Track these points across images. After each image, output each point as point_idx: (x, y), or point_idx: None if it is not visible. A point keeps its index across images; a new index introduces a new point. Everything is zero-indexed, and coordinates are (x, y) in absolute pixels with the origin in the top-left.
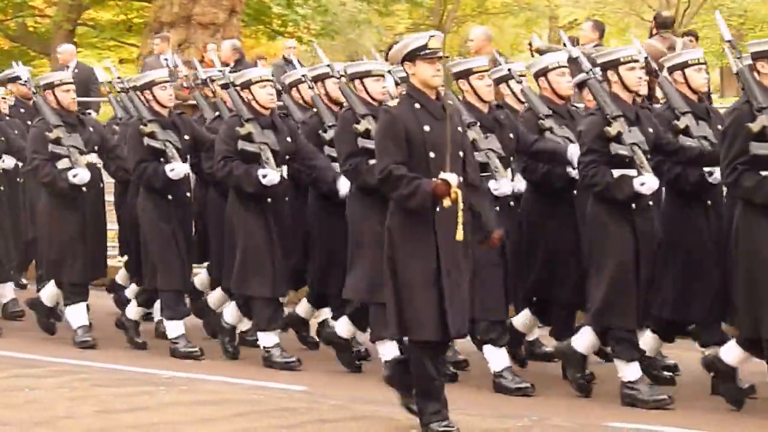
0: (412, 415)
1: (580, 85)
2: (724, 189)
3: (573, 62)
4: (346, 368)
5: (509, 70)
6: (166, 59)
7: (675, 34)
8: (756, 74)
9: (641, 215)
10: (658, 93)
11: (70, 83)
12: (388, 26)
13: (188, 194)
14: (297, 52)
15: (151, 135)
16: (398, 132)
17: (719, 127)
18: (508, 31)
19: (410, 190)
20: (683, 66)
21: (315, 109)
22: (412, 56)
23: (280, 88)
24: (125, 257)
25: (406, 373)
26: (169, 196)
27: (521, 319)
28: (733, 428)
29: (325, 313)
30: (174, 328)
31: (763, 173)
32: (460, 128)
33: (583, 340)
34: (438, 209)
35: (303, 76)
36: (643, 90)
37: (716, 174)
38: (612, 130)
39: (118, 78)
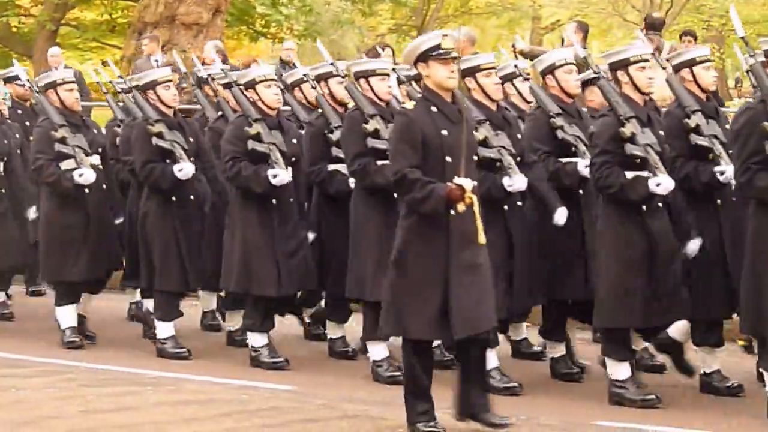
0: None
1: (582, 87)
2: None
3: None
4: None
5: (516, 66)
6: (156, 60)
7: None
8: None
9: (652, 216)
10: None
11: (73, 82)
12: (371, 27)
13: (192, 196)
14: (292, 53)
15: (159, 135)
16: (414, 135)
17: (726, 126)
18: (489, 32)
19: (424, 194)
20: (691, 63)
21: (320, 110)
22: (425, 57)
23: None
24: None
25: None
26: (173, 198)
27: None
28: (720, 426)
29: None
30: (164, 329)
31: None
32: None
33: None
34: (452, 212)
35: (305, 75)
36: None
37: (728, 173)
38: (626, 130)
39: (120, 77)
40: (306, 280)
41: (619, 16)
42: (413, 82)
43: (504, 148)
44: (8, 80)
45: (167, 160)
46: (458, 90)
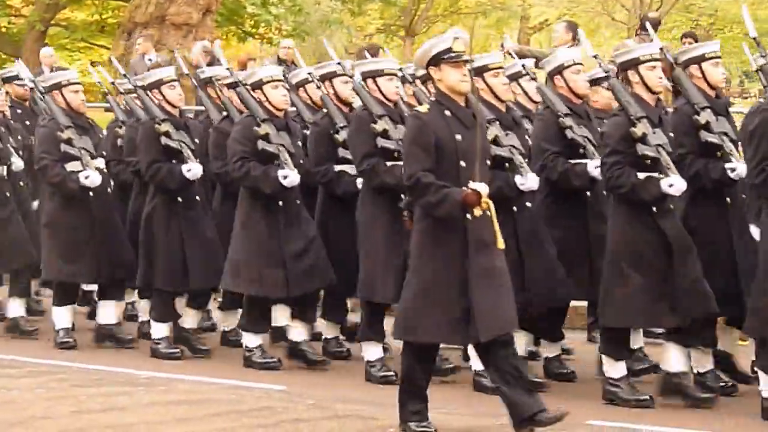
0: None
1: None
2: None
3: None
4: None
5: (523, 66)
6: (150, 59)
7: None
8: None
9: (663, 217)
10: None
11: (78, 83)
12: (359, 27)
13: (198, 197)
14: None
15: (167, 134)
16: (428, 139)
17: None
18: (478, 32)
19: (438, 198)
20: (700, 59)
21: (325, 110)
22: (436, 60)
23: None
24: None
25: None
26: (179, 198)
27: None
28: (713, 425)
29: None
30: (159, 330)
31: None
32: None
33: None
34: (469, 217)
35: (309, 74)
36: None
37: (739, 170)
38: (638, 131)
39: (124, 76)
40: (317, 279)
41: (608, 15)
42: (418, 82)
43: (514, 147)
44: (7, 80)
45: (173, 161)
46: (471, 94)
